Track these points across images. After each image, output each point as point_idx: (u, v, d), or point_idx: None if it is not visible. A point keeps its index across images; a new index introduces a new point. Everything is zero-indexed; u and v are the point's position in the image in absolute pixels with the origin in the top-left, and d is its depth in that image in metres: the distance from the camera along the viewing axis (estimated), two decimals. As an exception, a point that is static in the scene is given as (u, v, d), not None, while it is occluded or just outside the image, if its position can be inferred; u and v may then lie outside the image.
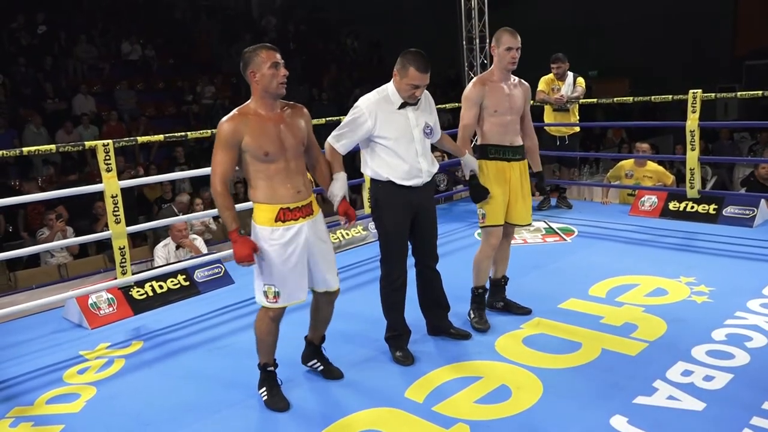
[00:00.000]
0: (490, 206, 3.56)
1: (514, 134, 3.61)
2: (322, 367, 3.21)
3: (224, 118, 2.76)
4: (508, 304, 3.88)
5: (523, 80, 3.69)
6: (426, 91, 3.23)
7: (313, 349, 3.22)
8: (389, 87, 3.18)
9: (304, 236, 2.82)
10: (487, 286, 3.79)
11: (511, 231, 3.79)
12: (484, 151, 3.59)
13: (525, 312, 3.80)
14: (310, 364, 3.24)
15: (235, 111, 2.78)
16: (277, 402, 2.93)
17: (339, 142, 3.16)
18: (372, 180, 3.26)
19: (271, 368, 2.99)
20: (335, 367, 3.20)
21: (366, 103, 3.14)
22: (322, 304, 3.08)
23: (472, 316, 3.71)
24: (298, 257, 2.81)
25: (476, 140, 3.71)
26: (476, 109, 3.53)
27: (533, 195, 3.83)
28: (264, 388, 2.98)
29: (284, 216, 2.77)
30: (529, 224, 3.80)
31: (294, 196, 2.79)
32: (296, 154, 2.83)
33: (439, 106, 3.61)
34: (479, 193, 3.50)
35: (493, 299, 3.89)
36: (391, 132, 3.12)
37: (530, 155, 3.78)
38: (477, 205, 3.59)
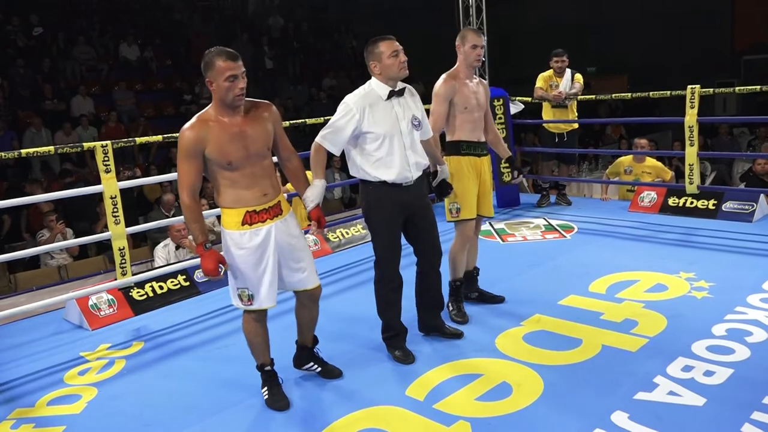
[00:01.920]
0: (465, 200, 3.63)
1: (481, 130, 3.72)
2: (319, 369, 3.17)
3: (185, 126, 2.67)
4: (482, 294, 3.97)
5: (482, 79, 3.82)
6: (410, 87, 3.26)
7: (307, 353, 3.17)
8: (372, 82, 3.18)
9: (274, 238, 2.76)
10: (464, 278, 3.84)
11: (479, 224, 3.91)
12: (456, 147, 3.64)
13: (499, 301, 3.93)
14: (306, 367, 3.19)
15: (195, 118, 2.70)
16: (276, 401, 2.93)
17: (329, 141, 3.11)
18: (362, 182, 3.22)
19: (269, 368, 2.97)
20: (333, 366, 3.17)
21: (353, 98, 3.13)
22: (306, 303, 3.00)
23: (451, 308, 3.75)
24: (268, 260, 2.75)
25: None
26: (446, 105, 3.58)
27: (514, 178, 3.94)
28: (265, 389, 2.98)
29: (251, 219, 2.72)
30: (493, 216, 3.96)
31: (260, 198, 2.73)
32: (261, 158, 2.75)
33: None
34: (444, 190, 3.50)
35: (467, 290, 3.96)
36: (378, 126, 3.09)
37: (497, 145, 3.90)
38: (448, 201, 3.63)
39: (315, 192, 2.98)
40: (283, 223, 2.82)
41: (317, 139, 3.14)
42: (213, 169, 2.69)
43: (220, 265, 2.66)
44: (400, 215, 3.22)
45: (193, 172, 2.66)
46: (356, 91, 3.16)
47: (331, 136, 3.11)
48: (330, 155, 3.25)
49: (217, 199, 2.77)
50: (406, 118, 3.17)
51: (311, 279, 2.93)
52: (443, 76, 3.63)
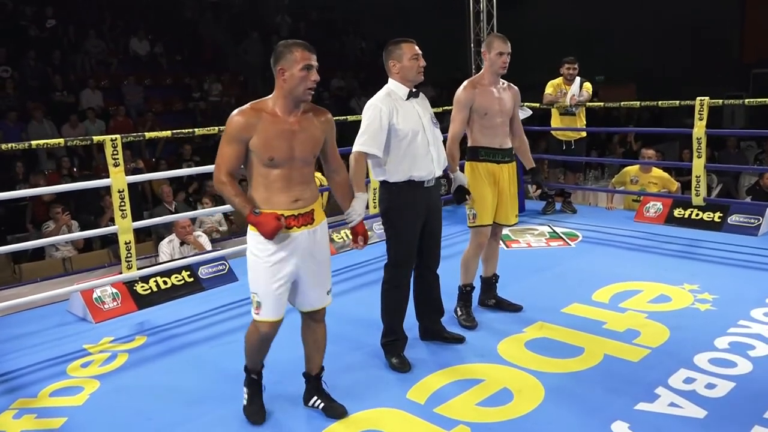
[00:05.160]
0: (481, 207, 3.63)
1: (504, 136, 3.69)
2: (323, 404, 2.86)
3: (236, 111, 2.54)
4: (500, 301, 3.96)
5: (511, 84, 3.78)
6: (421, 92, 3.30)
7: (313, 384, 2.91)
8: (390, 84, 3.23)
9: (298, 248, 2.59)
10: (475, 284, 3.83)
11: (498, 231, 3.89)
12: (474, 153, 3.65)
13: (516, 309, 3.91)
14: (310, 403, 2.90)
15: (249, 104, 2.56)
16: (252, 414, 2.82)
17: (368, 145, 3.10)
18: (385, 183, 3.23)
19: (255, 376, 2.84)
20: (338, 404, 2.86)
21: (378, 99, 3.18)
22: (312, 325, 2.82)
23: (460, 313, 3.76)
24: (286, 272, 2.59)
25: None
26: (466, 111, 3.59)
27: (533, 192, 3.92)
28: (246, 390, 2.87)
29: None
30: (515, 224, 3.95)
31: (290, 204, 2.57)
32: (304, 163, 2.60)
33: (447, 107, 3.64)
34: (461, 195, 3.54)
35: (485, 297, 3.97)
36: (405, 123, 3.14)
37: (522, 154, 3.88)
38: (467, 206, 3.65)
39: (361, 205, 2.93)
40: (312, 234, 2.64)
41: (356, 148, 3.13)
42: (252, 162, 2.55)
43: (281, 218, 2.52)
44: (421, 216, 3.24)
45: (235, 157, 2.53)
46: (377, 94, 3.21)
47: (370, 141, 3.10)
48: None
49: (249, 194, 2.61)
50: (426, 116, 3.23)
51: (322, 299, 2.77)
52: (465, 82, 3.65)
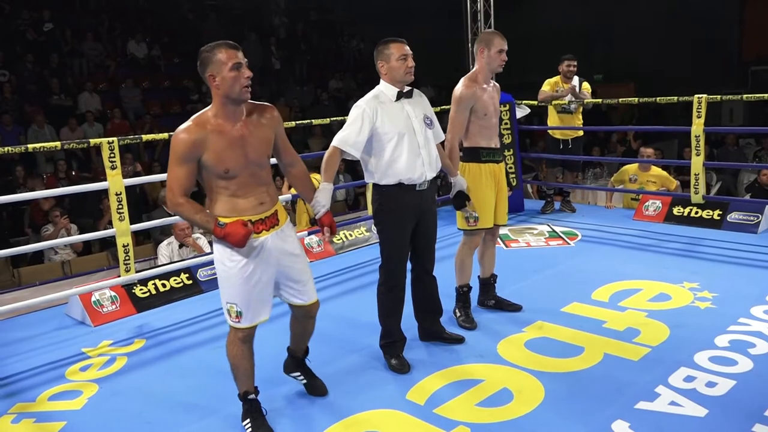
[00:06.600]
0: (483, 210, 3.59)
1: (497, 136, 3.69)
2: (305, 381, 3.00)
3: (180, 129, 2.47)
4: (499, 301, 3.95)
5: (494, 81, 3.76)
6: (418, 90, 3.26)
7: (296, 362, 3.01)
8: (380, 86, 3.18)
9: (269, 250, 2.58)
10: (473, 284, 3.82)
11: (496, 231, 3.88)
12: (476, 154, 3.59)
13: (515, 309, 3.89)
14: (293, 375, 3.03)
15: (191, 120, 2.49)
16: None
17: (344, 143, 3.05)
18: (376, 186, 3.19)
19: (253, 396, 2.74)
20: (320, 382, 2.99)
21: (364, 101, 3.13)
22: (301, 319, 2.83)
23: (459, 314, 3.75)
24: (261, 274, 2.57)
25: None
26: (467, 112, 3.53)
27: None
28: (248, 420, 2.73)
29: None
30: (506, 223, 3.92)
31: (256, 208, 2.55)
32: (261, 165, 2.58)
33: (445, 106, 3.61)
34: (461, 201, 3.48)
35: (485, 298, 3.95)
36: (391, 126, 3.09)
37: None
38: (467, 209, 3.53)
39: (324, 195, 2.88)
40: (279, 235, 2.63)
41: (334, 143, 3.08)
42: (207, 176, 2.51)
43: (248, 223, 2.49)
44: (412, 219, 3.21)
45: (187, 177, 2.46)
46: (366, 95, 3.17)
47: (348, 138, 3.05)
48: None
49: (209, 207, 2.57)
50: (417, 117, 3.17)
51: (308, 295, 2.75)
52: (463, 80, 3.56)
